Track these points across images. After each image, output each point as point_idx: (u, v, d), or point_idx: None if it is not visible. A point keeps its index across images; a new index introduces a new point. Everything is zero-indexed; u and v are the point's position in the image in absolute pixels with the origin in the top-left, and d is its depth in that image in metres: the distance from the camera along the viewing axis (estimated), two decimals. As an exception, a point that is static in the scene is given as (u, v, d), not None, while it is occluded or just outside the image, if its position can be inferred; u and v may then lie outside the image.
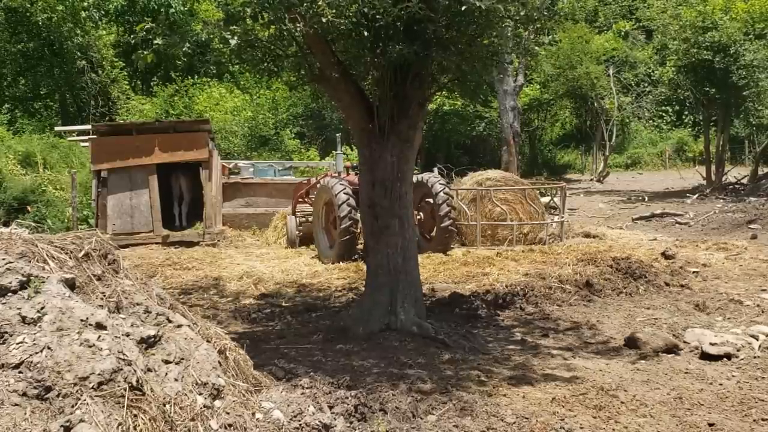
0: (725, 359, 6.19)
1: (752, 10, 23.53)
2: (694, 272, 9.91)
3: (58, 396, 3.11)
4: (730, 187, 22.99)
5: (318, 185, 12.94)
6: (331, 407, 4.20)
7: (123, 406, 3.17)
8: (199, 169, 14.29)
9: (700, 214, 17.14)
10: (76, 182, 14.82)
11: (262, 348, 6.42)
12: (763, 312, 7.84)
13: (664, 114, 37.33)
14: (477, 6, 5.73)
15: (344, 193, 11.29)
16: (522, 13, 6.37)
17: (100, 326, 3.42)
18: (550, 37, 7.52)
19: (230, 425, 3.49)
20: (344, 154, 14.27)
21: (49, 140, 21.43)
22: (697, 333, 6.76)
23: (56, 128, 21.69)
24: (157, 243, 13.76)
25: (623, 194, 23.89)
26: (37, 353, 3.20)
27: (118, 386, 3.21)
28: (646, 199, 22.15)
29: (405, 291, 6.93)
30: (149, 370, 3.43)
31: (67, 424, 3.01)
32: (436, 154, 29.19)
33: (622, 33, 36.75)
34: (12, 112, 26.12)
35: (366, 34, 6.14)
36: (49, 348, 3.23)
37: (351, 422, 4.24)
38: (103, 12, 27.78)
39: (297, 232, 13.48)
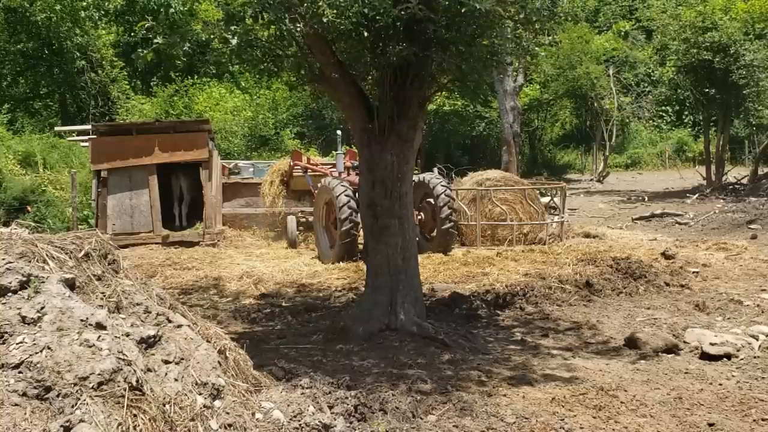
0: (725, 359, 6.18)
1: (752, 10, 23.54)
2: (694, 272, 9.90)
3: (58, 396, 3.11)
4: (730, 187, 22.99)
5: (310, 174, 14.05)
6: (331, 407, 4.20)
7: (123, 406, 3.17)
8: (199, 169, 14.29)
9: (700, 214, 17.13)
10: (76, 182, 14.81)
11: (262, 348, 6.42)
12: (763, 312, 7.84)
13: (664, 114, 37.33)
14: (477, 7, 5.73)
15: (345, 195, 11.23)
16: (521, 15, 6.38)
17: (100, 326, 3.42)
18: (550, 38, 7.49)
19: (230, 425, 3.49)
20: (344, 154, 14.27)
21: (49, 140, 21.39)
22: (697, 333, 6.76)
23: (56, 128, 21.65)
24: (157, 243, 13.76)
25: (623, 194, 23.88)
26: (37, 353, 3.20)
27: (118, 386, 3.21)
28: (646, 199, 22.14)
29: (405, 291, 6.92)
30: (149, 370, 3.43)
31: (67, 424, 3.01)
32: (436, 154, 29.18)
33: (622, 33, 36.77)
34: (12, 112, 26.09)
35: (366, 34, 6.15)
36: (49, 348, 3.23)
37: (351, 422, 4.24)
38: (102, 12, 27.75)
39: (297, 232, 13.49)
